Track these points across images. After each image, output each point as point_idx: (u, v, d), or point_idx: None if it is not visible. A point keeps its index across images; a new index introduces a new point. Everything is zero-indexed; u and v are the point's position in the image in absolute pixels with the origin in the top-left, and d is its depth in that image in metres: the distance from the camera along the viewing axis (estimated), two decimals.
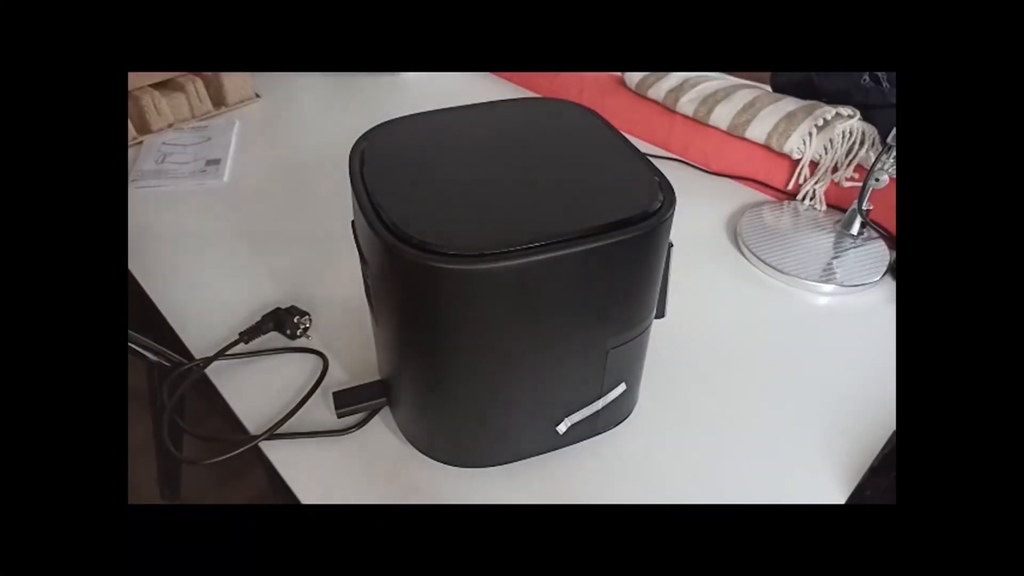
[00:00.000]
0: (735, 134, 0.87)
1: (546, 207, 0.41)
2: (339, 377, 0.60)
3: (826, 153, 0.81)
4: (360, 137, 0.48)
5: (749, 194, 0.86)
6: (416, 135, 0.48)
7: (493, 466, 0.52)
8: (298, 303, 0.66)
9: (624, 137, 0.48)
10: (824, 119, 0.81)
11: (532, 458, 0.52)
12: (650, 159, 0.46)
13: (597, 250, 0.39)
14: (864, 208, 0.73)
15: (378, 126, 0.49)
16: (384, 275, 0.42)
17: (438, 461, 0.52)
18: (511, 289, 0.39)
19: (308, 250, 0.75)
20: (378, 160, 0.45)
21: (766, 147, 0.84)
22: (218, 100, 1.05)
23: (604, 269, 0.41)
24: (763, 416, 0.57)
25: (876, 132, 0.82)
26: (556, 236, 0.38)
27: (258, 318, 0.64)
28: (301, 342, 0.63)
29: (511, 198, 0.41)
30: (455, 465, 0.52)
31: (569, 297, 0.41)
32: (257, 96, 1.08)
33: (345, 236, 0.50)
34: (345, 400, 0.55)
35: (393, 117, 0.51)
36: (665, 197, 0.42)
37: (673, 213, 0.42)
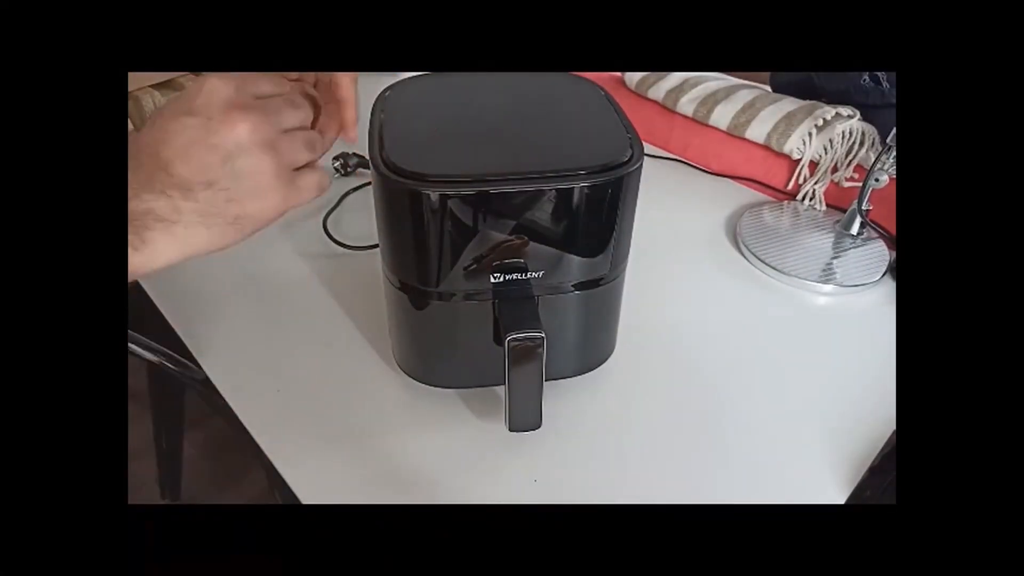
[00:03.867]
0: (735, 134, 0.87)
1: (521, 151, 0.47)
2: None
3: (826, 153, 0.81)
4: (386, 88, 0.53)
5: (749, 194, 0.86)
6: (434, 89, 0.54)
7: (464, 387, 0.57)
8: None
9: (616, 106, 0.53)
10: (824, 119, 0.81)
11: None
12: (623, 124, 0.51)
13: (548, 191, 0.44)
14: (864, 208, 0.73)
15: (403, 80, 0.55)
16: (376, 196, 0.48)
17: (414, 379, 0.57)
18: (472, 213, 0.45)
19: (308, 249, 0.75)
20: (395, 105, 0.51)
21: (766, 147, 0.84)
22: None
23: (558, 209, 0.45)
24: (762, 416, 0.57)
25: (876, 132, 0.82)
26: (513, 173, 0.44)
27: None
28: None
29: (494, 142, 0.48)
30: (429, 384, 0.56)
31: (524, 230, 0.46)
32: None
33: None
34: None
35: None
36: (633, 153, 0.46)
37: (638, 168, 0.46)
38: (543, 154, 0.47)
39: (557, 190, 0.44)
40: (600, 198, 0.46)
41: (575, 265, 0.49)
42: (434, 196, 0.44)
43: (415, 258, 0.48)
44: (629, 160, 0.46)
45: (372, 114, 0.50)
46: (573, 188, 0.44)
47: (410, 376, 0.57)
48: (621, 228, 0.49)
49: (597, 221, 0.47)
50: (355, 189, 0.84)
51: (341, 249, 0.74)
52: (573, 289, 0.50)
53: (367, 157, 0.47)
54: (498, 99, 0.52)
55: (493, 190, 0.44)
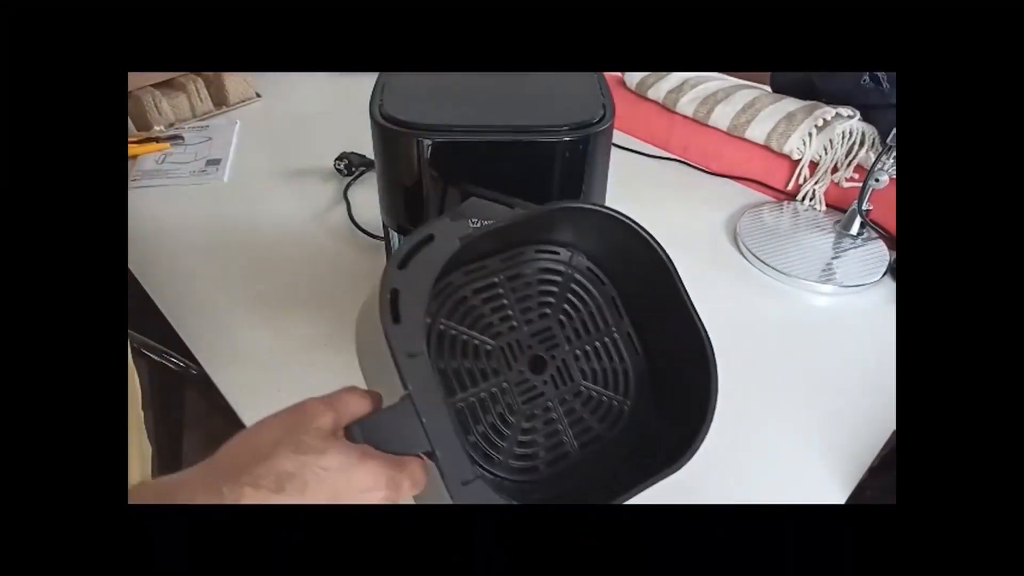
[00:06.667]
0: (735, 134, 0.87)
1: (501, 109, 0.52)
2: None
3: (826, 153, 0.81)
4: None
5: (749, 194, 0.86)
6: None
7: None
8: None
9: (600, 78, 0.56)
10: (824, 119, 0.81)
11: None
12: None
13: (520, 143, 0.48)
14: (864, 208, 0.73)
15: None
16: (375, 145, 0.53)
17: None
18: (458, 159, 0.49)
19: (308, 251, 0.75)
20: (395, 81, 0.55)
21: (766, 147, 0.84)
22: (219, 100, 1.05)
23: (531, 162, 0.49)
24: (763, 416, 0.57)
25: (876, 132, 0.82)
26: (486, 126, 0.48)
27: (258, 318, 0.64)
28: None
29: (479, 102, 0.53)
30: None
31: (501, 181, 0.49)
32: (258, 96, 1.08)
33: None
34: None
35: None
36: (604, 114, 0.50)
37: (608, 128, 0.49)
38: (522, 111, 0.50)
39: (529, 143, 0.48)
40: (570, 154, 0.49)
41: None
42: (422, 142, 0.48)
43: (403, 199, 0.53)
44: (599, 120, 0.49)
45: (377, 79, 0.55)
46: (543, 142, 0.48)
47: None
48: (590, 187, 0.51)
49: (567, 177, 0.50)
50: (354, 180, 0.84)
51: (341, 251, 0.74)
52: None
53: (370, 157, 0.49)
54: (489, 78, 0.55)
55: (463, 139, 0.48)
